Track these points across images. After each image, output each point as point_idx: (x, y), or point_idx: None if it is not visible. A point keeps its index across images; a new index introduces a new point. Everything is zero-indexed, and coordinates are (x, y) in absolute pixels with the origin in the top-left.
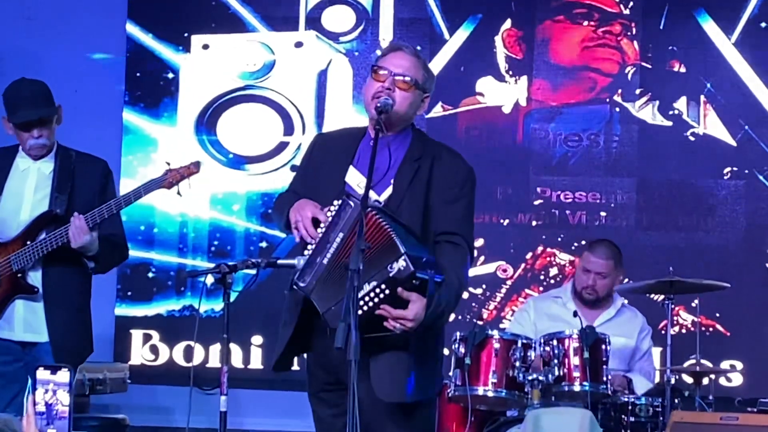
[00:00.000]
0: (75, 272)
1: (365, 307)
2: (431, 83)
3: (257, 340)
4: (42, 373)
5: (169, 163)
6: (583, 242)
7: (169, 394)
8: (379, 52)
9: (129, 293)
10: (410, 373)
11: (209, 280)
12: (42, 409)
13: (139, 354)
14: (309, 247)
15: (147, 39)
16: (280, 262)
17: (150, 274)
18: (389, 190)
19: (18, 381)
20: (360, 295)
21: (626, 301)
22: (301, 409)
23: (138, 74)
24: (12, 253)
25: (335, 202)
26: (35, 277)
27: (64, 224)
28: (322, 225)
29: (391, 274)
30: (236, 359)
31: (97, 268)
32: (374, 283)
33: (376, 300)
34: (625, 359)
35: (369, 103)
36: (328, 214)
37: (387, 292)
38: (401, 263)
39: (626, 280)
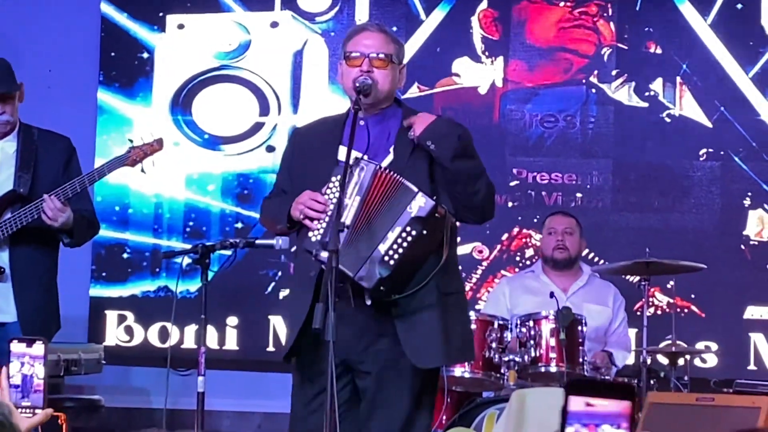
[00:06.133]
0: (42, 251)
1: (395, 255)
2: (403, 52)
3: (232, 321)
4: (17, 346)
5: (132, 141)
6: None
7: (144, 375)
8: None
9: (104, 274)
10: (443, 337)
11: (185, 260)
12: (18, 381)
13: (114, 335)
14: (318, 226)
15: (121, 18)
16: (258, 242)
17: (125, 255)
18: (390, 157)
19: None
20: (386, 247)
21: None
22: (277, 390)
23: (112, 54)
24: None
25: (333, 179)
26: (2, 258)
27: (29, 203)
28: (329, 192)
29: (412, 214)
30: (211, 340)
31: (71, 243)
32: (398, 229)
33: (405, 245)
34: (600, 336)
35: (349, 90)
36: (327, 192)
37: (414, 233)
38: (420, 200)
39: (601, 261)
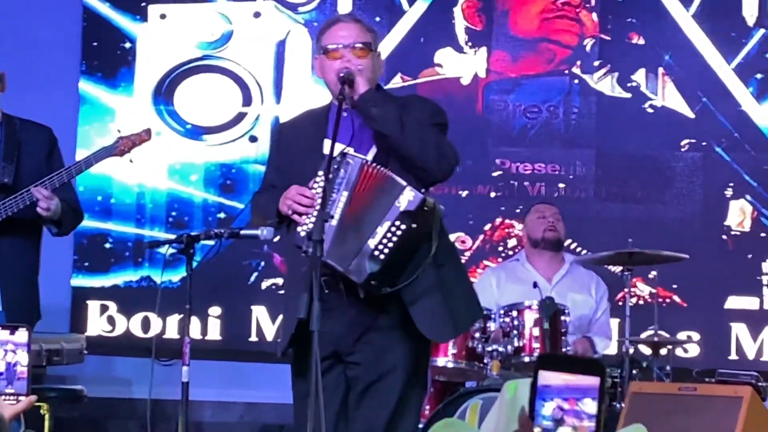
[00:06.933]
0: (25, 243)
1: (385, 250)
2: (378, 40)
3: (215, 311)
4: (0, 334)
5: (120, 131)
6: None
7: (126, 365)
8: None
9: (86, 264)
10: (451, 309)
11: (168, 250)
12: (1, 369)
13: (96, 325)
14: (306, 220)
15: (103, 8)
16: (243, 232)
17: (107, 245)
18: (374, 150)
19: None
20: (376, 242)
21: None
22: (259, 380)
23: (95, 44)
24: None
25: (320, 173)
26: None
27: (13, 193)
28: (316, 186)
29: (401, 208)
30: (194, 330)
31: (59, 232)
32: (387, 223)
33: (394, 239)
34: (584, 325)
35: (333, 83)
36: (314, 186)
37: (403, 227)
38: (408, 194)
39: (584, 251)
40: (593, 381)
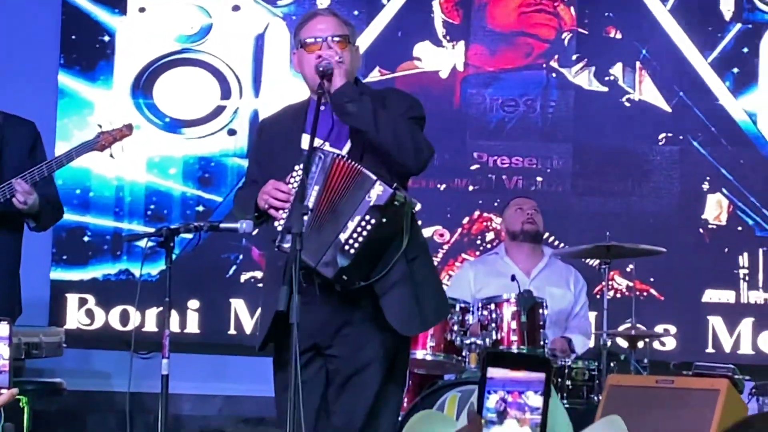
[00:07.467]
0: (7, 237)
1: (355, 245)
2: (356, 33)
3: (194, 304)
4: None
5: (101, 126)
6: None
7: (105, 358)
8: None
9: (64, 257)
10: (419, 303)
11: (146, 243)
12: None
13: (75, 318)
14: (282, 215)
15: (82, 1)
16: (222, 225)
17: (86, 238)
18: (348, 144)
19: None
20: (347, 236)
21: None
22: (238, 373)
23: (73, 37)
24: None
25: (296, 168)
26: None
27: None
28: (293, 180)
29: (371, 203)
30: (173, 324)
31: (38, 227)
32: (358, 218)
33: (364, 233)
34: (562, 319)
35: (311, 77)
36: (291, 180)
37: (373, 222)
38: (378, 188)
39: (562, 244)
40: (538, 376)
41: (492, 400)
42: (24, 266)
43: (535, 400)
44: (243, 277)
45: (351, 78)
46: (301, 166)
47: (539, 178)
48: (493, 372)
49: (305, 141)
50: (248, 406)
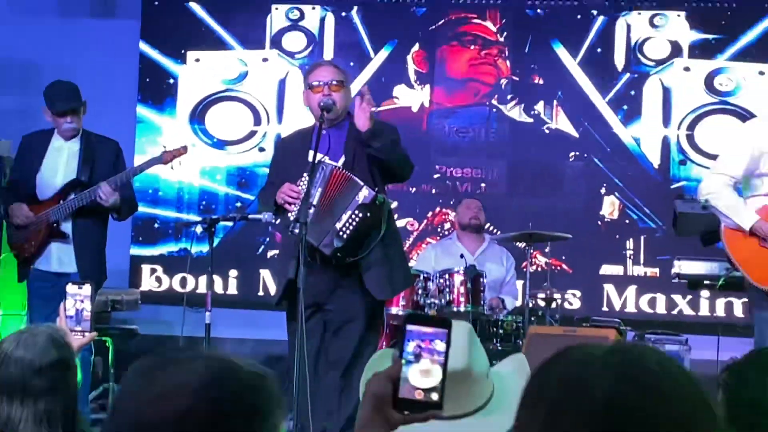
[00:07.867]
0: (95, 223)
1: (348, 231)
2: (350, 79)
3: (233, 273)
4: (71, 288)
5: (165, 147)
6: None
7: (169, 312)
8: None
9: (140, 238)
10: (390, 275)
11: (198, 229)
12: (72, 313)
13: (148, 282)
14: (293, 208)
15: (154, 54)
16: (250, 216)
17: (155, 225)
18: (343, 158)
19: (55, 300)
20: (341, 225)
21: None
22: (265, 323)
23: (148, 80)
24: (49, 208)
25: (305, 175)
26: (66, 226)
27: (88, 188)
28: (301, 184)
29: (359, 202)
30: (218, 286)
31: (119, 218)
32: (349, 212)
33: (354, 223)
34: (497, 286)
35: (316, 110)
36: (300, 184)
37: (360, 215)
38: (364, 191)
39: (498, 231)
40: (443, 330)
41: (410, 346)
42: (111, 245)
43: (440, 346)
44: (269, 254)
45: (344, 111)
46: (308, 173)
47: (483, 184)
48: (411, 327)
49: (311, 155)
50: (273, 347)
